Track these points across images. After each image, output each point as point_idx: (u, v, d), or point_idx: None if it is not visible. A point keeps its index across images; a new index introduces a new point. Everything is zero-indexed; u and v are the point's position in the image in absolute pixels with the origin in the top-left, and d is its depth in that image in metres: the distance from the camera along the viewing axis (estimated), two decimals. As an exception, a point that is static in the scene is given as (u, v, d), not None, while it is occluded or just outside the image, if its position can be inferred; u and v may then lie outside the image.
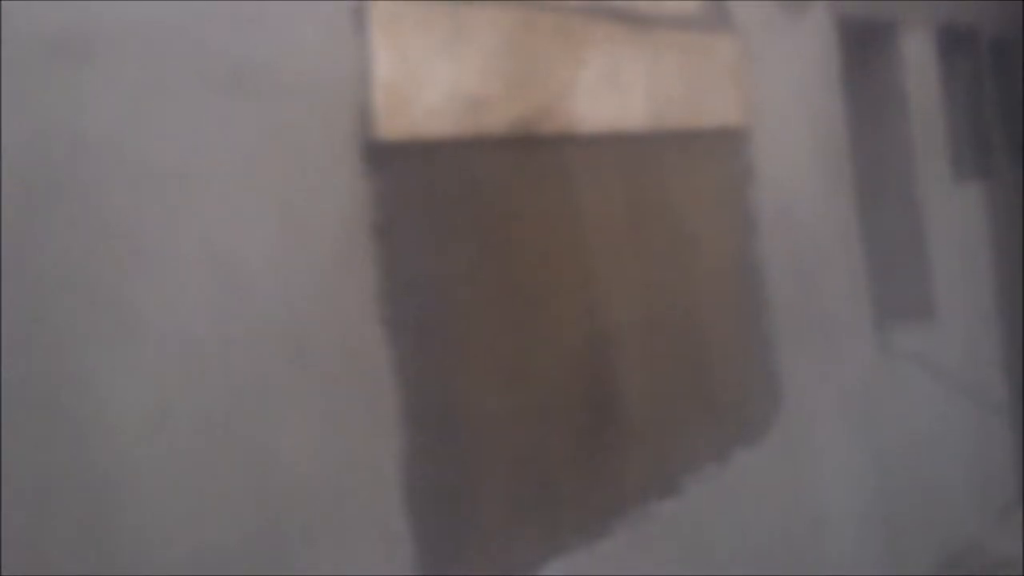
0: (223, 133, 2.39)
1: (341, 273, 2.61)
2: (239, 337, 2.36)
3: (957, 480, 5.57)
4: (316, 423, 2.51)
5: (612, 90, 3.50)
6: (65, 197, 2.10)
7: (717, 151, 4.03)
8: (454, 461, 2.87)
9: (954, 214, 5.79)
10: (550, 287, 3.24)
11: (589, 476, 3.30)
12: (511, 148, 3.15)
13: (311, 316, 2.51)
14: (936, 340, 5.45)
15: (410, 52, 2.83)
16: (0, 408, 1.95)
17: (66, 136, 2.11)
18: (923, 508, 5.17)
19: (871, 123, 5.36)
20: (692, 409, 3.77)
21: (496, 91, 3.09)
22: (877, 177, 5.34)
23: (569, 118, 3.33)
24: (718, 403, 3.89)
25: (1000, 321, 6.23)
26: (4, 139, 2.00)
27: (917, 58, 5.60)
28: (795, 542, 4.20)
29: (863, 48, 5.35)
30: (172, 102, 2.29)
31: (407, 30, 2.83)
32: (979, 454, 5.83)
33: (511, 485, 3.05)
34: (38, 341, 2.04)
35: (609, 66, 3.49)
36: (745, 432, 4.00)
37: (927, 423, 5.32)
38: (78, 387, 2.09)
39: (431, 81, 2.89)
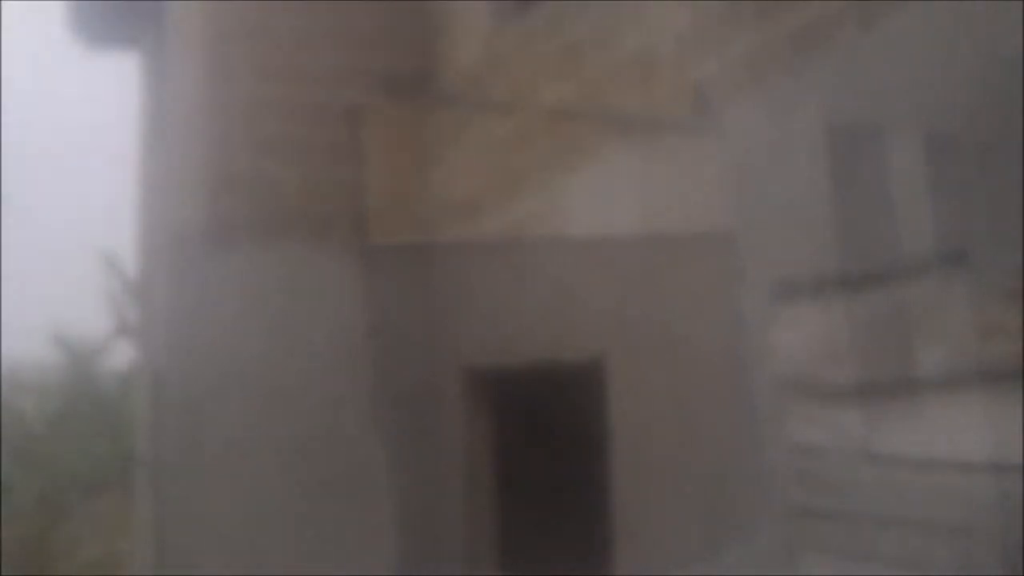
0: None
1: (337, 375, 2.65)
2: (237, 438, 2.41)
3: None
4: (312, 524, 2.55)
5: (603, 194, 3.55)
6: None
7: (706, 254, 4.08)
8: (447, 564, 2.89)
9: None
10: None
11: None
12: (504, 251, 3.20)
13: (307, 418, 2.56)
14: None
15: (404, 158, 2.89)
16: None
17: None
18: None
19: (858, 227, 5.40)
20: (684, 506, 3.79)
21: (489, 196, 3.14)
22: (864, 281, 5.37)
23: (561, 222, 3.39)
24: (709, 500, 3.91)
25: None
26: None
27: (904, 163, 5.65)
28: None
29: (851, 153, 5.40)
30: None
31: (402, 137, 2.89)
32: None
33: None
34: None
35: (600, 171, 3.55)
36: (736, 529, 4.02)
37: (919, 510, 5.30)
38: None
39: (425, 187, 2.94)
